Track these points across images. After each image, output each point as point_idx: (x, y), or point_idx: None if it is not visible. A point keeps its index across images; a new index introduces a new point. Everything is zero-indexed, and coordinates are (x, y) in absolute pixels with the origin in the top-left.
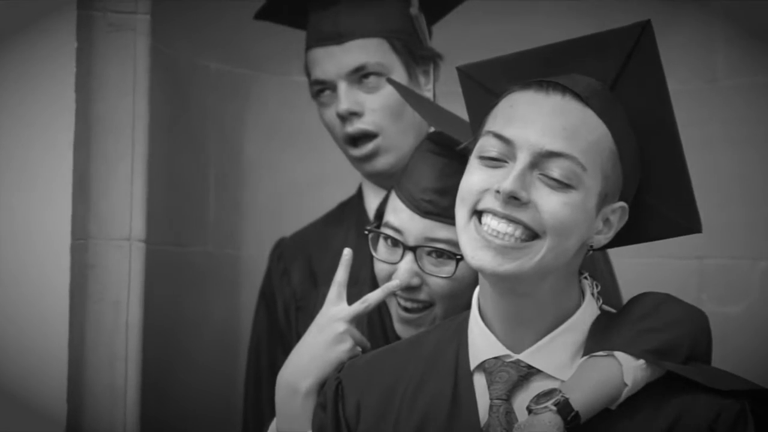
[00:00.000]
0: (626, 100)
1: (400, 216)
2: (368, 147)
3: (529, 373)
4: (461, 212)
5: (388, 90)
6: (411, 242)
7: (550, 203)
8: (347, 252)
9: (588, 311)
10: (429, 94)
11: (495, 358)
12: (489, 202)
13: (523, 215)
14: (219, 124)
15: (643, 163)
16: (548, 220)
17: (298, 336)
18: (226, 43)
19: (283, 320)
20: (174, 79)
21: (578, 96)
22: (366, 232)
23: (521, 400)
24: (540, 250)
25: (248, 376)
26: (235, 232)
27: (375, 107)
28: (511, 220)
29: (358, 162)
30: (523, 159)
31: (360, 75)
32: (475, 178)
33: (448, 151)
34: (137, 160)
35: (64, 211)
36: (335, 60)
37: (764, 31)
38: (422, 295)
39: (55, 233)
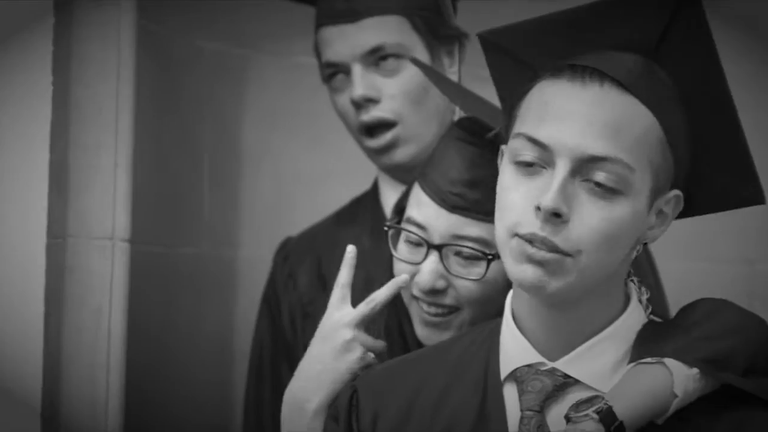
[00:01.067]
0: (671, 64)
1: (425, 211)
2: (386, 137)
3: (565, 383)
4: (500, 229)
5: (409, 73)
6: (436, 240)
7: (592, 218)
8: (350, 249)
9: (633, 317)
10: (454, 77)
11: (528, 366)
12: (528, 226)
13: (559, 239)
14: (214, 110)
15: (694, 136)
16: (588, 236)
17: (305, 347)
18: (222, 20)
19: (288, 329)
20: (163, 60)
21: (618, 83)
22: (385, 229)
23: (555, 413)
24: (582, 268)
25: (248, 391)
26: (231, 231)
27: (394, 93)
28: (550, 248)
29: (375, 154)
30: (563, 167)
31: (377, 57)
32: (512, 195)
33: (479, 140)
34: (121, 150)
35: (39, 206)
36: (349, 40)
37: None
38: (448, 300)
39: (29, 231)
